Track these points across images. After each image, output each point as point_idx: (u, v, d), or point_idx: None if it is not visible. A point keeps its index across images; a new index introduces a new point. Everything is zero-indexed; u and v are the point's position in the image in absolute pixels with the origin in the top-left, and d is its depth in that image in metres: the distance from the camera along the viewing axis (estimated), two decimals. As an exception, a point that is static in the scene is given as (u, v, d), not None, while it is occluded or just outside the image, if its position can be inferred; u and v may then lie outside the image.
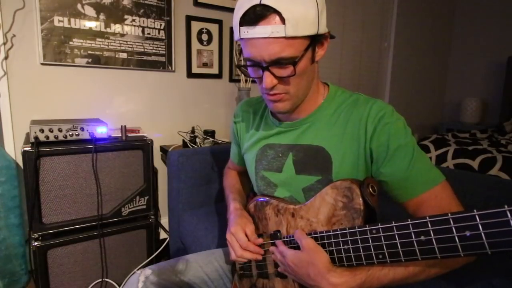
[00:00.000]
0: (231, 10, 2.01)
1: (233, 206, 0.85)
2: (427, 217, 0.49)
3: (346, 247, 0.58)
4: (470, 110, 3.21)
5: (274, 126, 0.80)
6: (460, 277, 0.59)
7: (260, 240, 0.75)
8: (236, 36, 0.64)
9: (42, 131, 1.21)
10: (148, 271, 0.85)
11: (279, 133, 0.79)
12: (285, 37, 0.58)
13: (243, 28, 0.60)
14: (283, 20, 0.57)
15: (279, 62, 0.61)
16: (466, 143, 2.15)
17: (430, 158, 2.06)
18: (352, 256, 0.58)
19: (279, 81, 0.64)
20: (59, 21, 1.51)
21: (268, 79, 0.63)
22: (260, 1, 0.57)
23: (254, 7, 0.58)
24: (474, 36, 3.36)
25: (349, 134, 0.68)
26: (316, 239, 0.63)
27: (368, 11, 2.80)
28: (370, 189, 0.60)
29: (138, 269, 0.93)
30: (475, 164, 1.86)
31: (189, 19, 1.89)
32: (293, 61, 0.61)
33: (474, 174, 1.53)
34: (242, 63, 0.69)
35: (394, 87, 3.10)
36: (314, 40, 0.63)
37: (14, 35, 1.44)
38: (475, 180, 0.99)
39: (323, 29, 0.63)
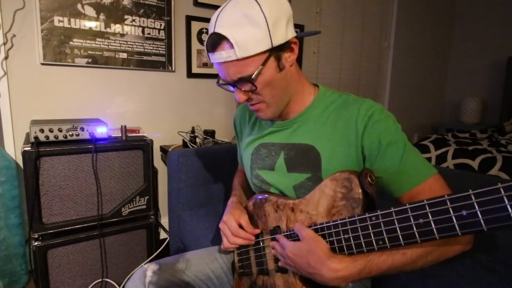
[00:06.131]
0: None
1: (230, 200, 0.91)
2: (425, 200, 0.50)
3: (346, 236, 0.59)
4: (470, 110, 3.20)
5: (267, 126, 0.84)
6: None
7: (258, 230, 0.78)
8: None
9: (42, 131, 1.21)
10: (155, 266, 0.86)
11: (271, 132, 0.82)
12: (238, 60, 0.63)
13: (208, 54, 0.67)
14: (232, 45, 0.62)
15: (241, 80, 0.66)
16: (466, 143, 2.15)
17: (430, 158, 2.06)
18: (353, 244, 0.59)
19: (250, 94, 0.69)
20: (59, 21, 1.51)
21: (238, 95, 0.69)
22: (214, 30, 0.63)
23: (211, 35, 0.64)
24: (474, 36, 3.36)
25: (339, 133, 0.70)
26: (316, 230, 0.64)
27: (368, 11, 2.80)
28: (369, 179, 0.61)
29: (144, 264, 0.94)
30: (475, 164, 1.85)
31: (189, 19, 1.89)
32: (249, 79, 0.65)
33: (474, 174, 1.53)
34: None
35: (394, 87, 3.10)
36: (275, 51, 0.65)
37: (14, 35, 1.44)
38: (475, 180, 0.98)
39: (281, 39, 0.65)
